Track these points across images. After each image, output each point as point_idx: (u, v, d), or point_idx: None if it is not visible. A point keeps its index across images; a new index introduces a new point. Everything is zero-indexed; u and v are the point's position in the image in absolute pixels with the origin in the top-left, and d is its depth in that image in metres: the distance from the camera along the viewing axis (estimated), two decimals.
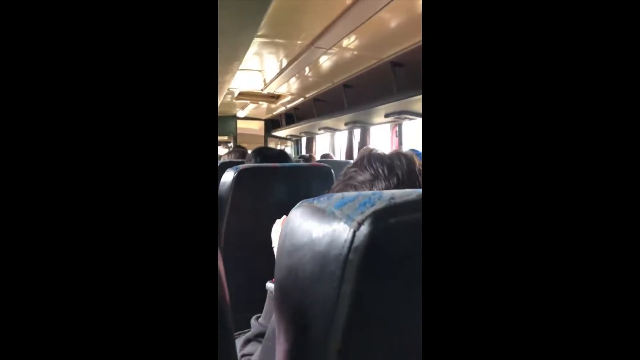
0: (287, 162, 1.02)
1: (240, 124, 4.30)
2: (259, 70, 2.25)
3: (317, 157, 3.28)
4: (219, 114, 2.76)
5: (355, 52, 1.76)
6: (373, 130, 2.72)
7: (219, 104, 2.24)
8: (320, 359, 0.21)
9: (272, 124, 4.28)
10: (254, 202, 0.84)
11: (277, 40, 1.67)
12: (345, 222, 0.21)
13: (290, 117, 3.64)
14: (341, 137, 3.31)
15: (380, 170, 0.43)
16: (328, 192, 0.47)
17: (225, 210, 0.84)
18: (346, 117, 2.43)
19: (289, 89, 2.70)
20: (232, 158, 1.63)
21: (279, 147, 4.86)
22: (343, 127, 2.83)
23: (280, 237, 0.25)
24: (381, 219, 0.21)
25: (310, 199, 0.25)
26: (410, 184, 0.42)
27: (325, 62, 1.93)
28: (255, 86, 2.70)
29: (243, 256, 0.82)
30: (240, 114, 4.02)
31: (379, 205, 0.21)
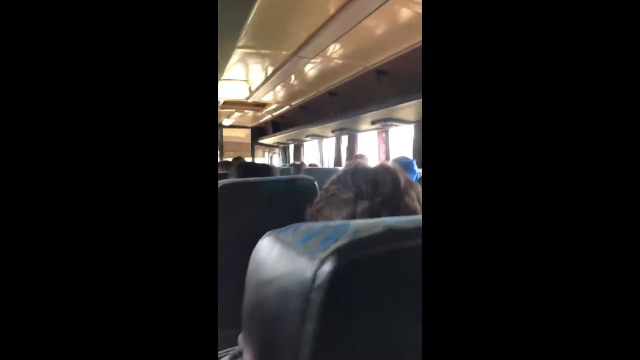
0: (269, 175, 1.01)
1: (226, 132, 4.26)
2: (244, 80, 2.24)
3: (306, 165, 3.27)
4: None
5: (339, 61, 1.76)
6: (361, 136, 2.73)
7: None
8: None
9: (258, 132, 4.25)
10: (238, 217, 0.82)
11: (260, 50, 1.66)
12: (309, 259, 0.21)
13: (277, 125, 3.63)
14: (329, 143, 3.31)
15: (364, 189, 0.42)
16: (310, 206, 0.46)
17: None
18: (333, 124, 2.43)
19: (274, 97, 2.68)
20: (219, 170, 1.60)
21: (266, 155, 4.85)
22: (330, 134, 2.83)
23: (248, 269, 0.25)
24: (344, 255, 0.20)
25: (278, 230, 0.25)
26: (394, 203, 0.41)
27: (310, 70, 1.92)
28: (241, 95, 2.68)
29: (229, 271, 0.80)
30: (226, 122, 3.99)
31: (342, 241, 0.21)
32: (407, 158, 1.61)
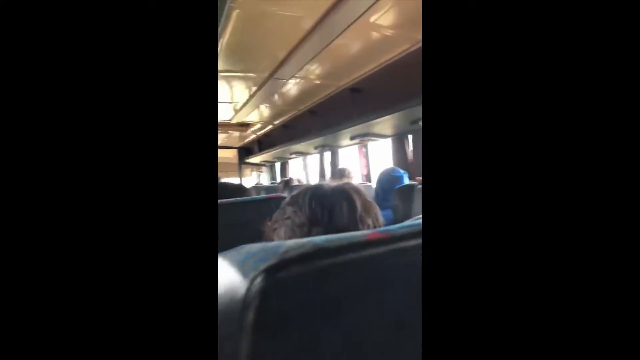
0: (244, 195, 1.03)
1: None
2: (229, 102, 2.30)
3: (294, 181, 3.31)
4: None
5: (316, 81, 1.84)
6: (343, 151, 2.79)
7: None
8: None
9: (245, 152, 4.30)
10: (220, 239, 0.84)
11: (239, 74, 1.72)
12: (243, 278, 0.22)
13: (262, 144, 3.68)
14: (314, 160, 3.37)
15: (319, 215, 0.41)
16: (268, 222, 0.46)
17: None
18: (315, 141, 2.49)
19: (259, 117, 2.75)
20: None
21: (254, 174, 4.87)
22: (313, 151, 2.89)
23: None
24: (272, 274, 0.21)
25: (229, 250, 0.25)
26: (350, 231, 0.40)
27: (290, 90, 2.00)
28: (225, 116, 2.74)
29: None
30: None
31: (271, 260, 0.22)
32: (398, 171, 1.62)
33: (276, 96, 2.13)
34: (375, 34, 1.32)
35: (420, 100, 1.32)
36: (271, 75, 1.70)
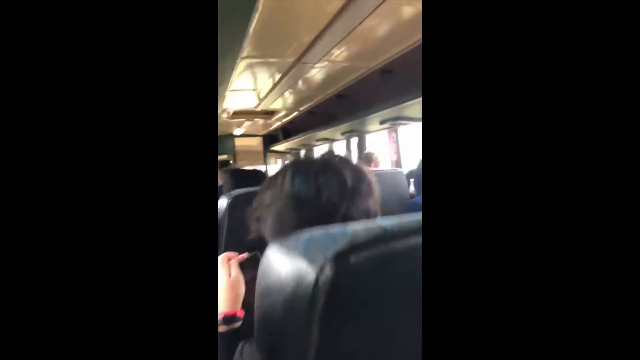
0: (259, 177, 1.03)
1: (239, 142, 4.33)
2: (253, 89, 2.28)
3: None
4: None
5: (344, 64, 1.77)
6: (371, 137, 2.72)
7: None
8: None
9: (270, 139, 4.30)
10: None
11: (265, 59, 1.69)
12: (310, 266, 0.21)
13: (288, 132, 3.66)
14: (340, 146, 3.31)
15: (304, 196, 0.37)
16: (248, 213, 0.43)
17: (222, 236, 0.83)
18: (342, 127, 2.44)
19: (283, 104, 2.72)
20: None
21: (278, 162, 4.89)
22: (340, 136, 2.84)
23: (257, 279, 0.26)
24: (342, 260, 0.21)
25: (281, 239, 0.25)
26: (348, 204, 0.36)
27: (316, 75, 1.94)
28: (250, 104, 2.72)
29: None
30: (237, 131, 4.05)
31: (340, 246, 0.22)
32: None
33: (302, 81, 2.08)
34: (406, 13, 1.24)
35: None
36: (298, 60, 1.65)
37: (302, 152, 4.08)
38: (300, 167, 0.39)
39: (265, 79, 2.06)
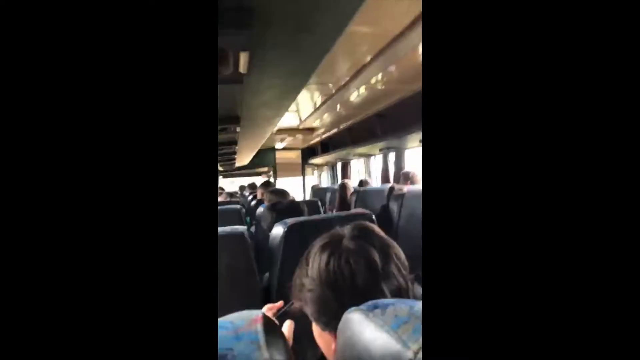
0: (301, 212, 1.09)
1: (279, 155, 4.51)
2: (295, 111, 2.40)
3: (353, 182, 3.34)
4: (260, 148, 2.94)
5: (385, 87, 1.83)
6: (408, 152, 2.73)
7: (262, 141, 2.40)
8: None
9: (308, 153, 4.43)
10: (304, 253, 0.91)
11: (310, 85, 1.79)
12: (404, 347, 0.22)
13: (326, 146, 3.76)
14: (376, 159, 3.35)
15: (340, 278, 0.38)
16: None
17: (277, 263, 0.91)
18: (380, 144, 2.48)
19: (323, 122, 2.81)
20: (273, 200, 1.71)
21: (315, 173, 5.00)
22: (377, 152, 2.87)
23: (339, 339, 0.28)
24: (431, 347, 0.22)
25: (364, 308, 0.27)
26: (377, 287, 0.38)
27: (357, 97, 2.01)
28: (292, 123, 2.86)
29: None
30: (279, 145, 4.23)
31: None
32: None
33: (344, 103, 2.16)
34: None
35: None
36: (343, 86, 1.74)
37: (339, 164, 4.16)
38: (334, 251, 0.40)
39: (309, 103, 2.17)
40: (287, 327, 0.46)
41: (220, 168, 3.49)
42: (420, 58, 1.44)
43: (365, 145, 2.60)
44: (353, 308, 0.28)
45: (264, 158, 4.34)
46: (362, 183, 2.83)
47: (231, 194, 2.81)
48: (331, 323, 0.39)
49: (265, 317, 0.26)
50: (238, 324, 0.25)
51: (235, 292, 0.84)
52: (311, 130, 3.22)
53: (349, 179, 3.83)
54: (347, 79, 1.64)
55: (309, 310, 0.41)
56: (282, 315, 0.50)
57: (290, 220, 0.91)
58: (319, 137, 3.61)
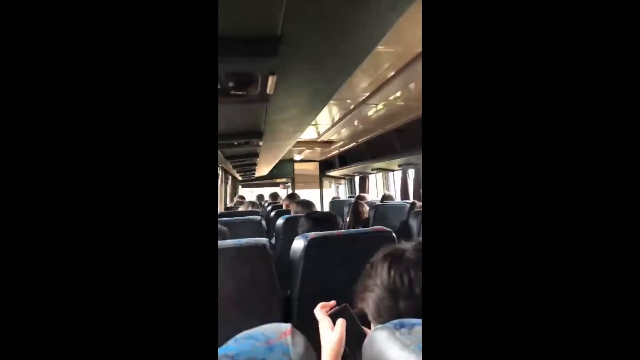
0: (335, 224, 1.11)
1: (297, 166, 4.57)
2: (314, 125, 2.44)
3: (371, 195, 3.34)
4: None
5: (404, 103, 1.84)
6: None
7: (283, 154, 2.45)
8: None
9: (326, 165, 4.47)
10: (324, 268, 0.92)
11: (330, 101, 1.83)
12: None
13: (343, 159, 3.79)
14: (395, 175, 3.34)
15: (399, 285, 0.41)
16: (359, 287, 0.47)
17: (298, 276, 0.93)
18: (399, 159, 2.48)
19: (341, 136, 2.85)
20: (299, 211, 1.74)
21: (332, 186, 5.02)
22: (396, 167, 2.87)
23: (365, 355, 0.29)
24: None
25: (391, 326, 0.28)
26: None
27: (376, 113, 2.04)
28: (311, 136, 2.91)
29: (315, 321, 0.90)
30: (297, 157, 4.29)
31: None
32: None
33: (362, 118, 2.19)
34: None
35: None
36: (362, 102, 1.77)
37: (357, 178, 4.16)
38: (396, 258, 0.44)
39: (327, 117, 2.21)
40: (340, 325, 0.49)
41: (239, 177, 3.56)
42: None
43: (384, 160, 2.61)
44: (380, 326, 0.29)
45: (283, 169, 4.41)
46: (385, 197, 2.83)
47: (253, 203, 2.86)
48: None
49: (293, 330, 0.27)
50: (269, 336, 0.26)
51: (257, 303, 0.86)
52: (329, 143, 3.26)
53: (368, 192, 3.83)
54: (367, 94, 1.67)
55: (369, 310, 0.44)
56: (334, 315, 0.52)
57: (311, 234, 0.94)
58: (337, 150, 3.64)
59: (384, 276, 0.43)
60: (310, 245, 0.92)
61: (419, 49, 1.18)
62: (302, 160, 4.50)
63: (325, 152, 3.84)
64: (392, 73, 1.41)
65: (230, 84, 0.73)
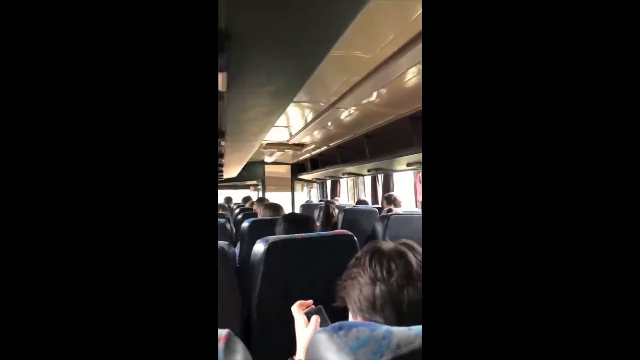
0: (312, 227, 1.09)
1: (268, 169, 4.50)
2: (285, 126, 2.42)
3: (342, 199, 3.35)
4: (249, 160, 2.94)
5: (375, 108, 1.86)
6: (397, 175, 2.76)
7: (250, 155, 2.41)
8: None
9: (298, 168, 4.44)
10: (284, 272, 0.90)
11: (300, 102, 1.81)
12: None
13: (315, 162, 3.78)
14: (366, 180, 3.37)
15: (379, 274, 0.47)
16: (342, 277, 0.51)
17: (258, 278, 0.90)
18: (369, 165, 2.51)
19: (313, 139, 2.84)
20: (267, 214, 1.71)
21: (304, 189, 4.99)
22: (366, 172, 2.90)
23: (309, 358, 0.29)
24: None
25: (331, 329, 0.29)
26: (410, 286, 0.46)
27: (347, 117, 2.04)
28: (282, 138, 2.87)
29: (274, 327, 0.87)
30: (268, 159, 4.23)
31: (386, 356, 0.25)
32: None
33: (334, 122, 2.19)
34: None
35: None
36: (333, 105, 1.77)
37: (329, 182, 4.17)
38: (378, 251, 0.49)
39: (299, 119, 2.19)
40: (314, 321, 0.57)
41: None
42: (408, 83, 1.49)
43: (354, 165, 2.63)
44: (321, 329, 0.30)
45: (253, 171, 4.33)
46: (359, 202, 2.84)
47: (221, 206, 2.78)
48: (366, 311, 0.47)
49: (229, 336, 0.27)
50: None
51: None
52: (301, 145, 3.24)
53: (339, 196, 3.84)
54: (336, 98, 1.67)
55: (349, 299, 0.48)
56: (309, 313, 0.59)
57: (272, 238, 0.91)
58: (308, 154, 3.63)
59: (366, 265, 0.48)
60: (271, 248, 0.89)
61: (389, 53, 1.19)
62: (273, 163, 4.44)
63: (297, 155, 3.81)
64: (360, 78, 1.42)
65: None
